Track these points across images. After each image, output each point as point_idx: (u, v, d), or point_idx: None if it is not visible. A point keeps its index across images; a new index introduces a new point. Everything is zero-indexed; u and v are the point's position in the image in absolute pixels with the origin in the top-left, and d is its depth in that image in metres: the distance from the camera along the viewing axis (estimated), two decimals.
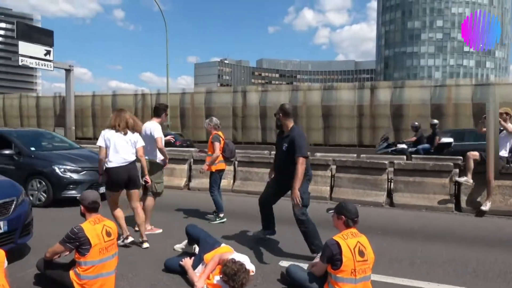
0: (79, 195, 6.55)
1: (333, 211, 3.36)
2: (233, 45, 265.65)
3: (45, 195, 7.07)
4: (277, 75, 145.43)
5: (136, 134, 4.89)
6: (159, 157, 5.55)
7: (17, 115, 32.19)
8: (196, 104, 26.83)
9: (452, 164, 7.05)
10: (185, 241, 4.61)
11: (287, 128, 4.53)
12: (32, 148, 7.65)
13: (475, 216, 6.58)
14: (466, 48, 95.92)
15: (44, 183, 7.08)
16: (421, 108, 21.68)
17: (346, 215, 3.22)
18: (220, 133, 6.28)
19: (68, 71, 27.36)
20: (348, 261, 3.04)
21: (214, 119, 6.35)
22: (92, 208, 3.60)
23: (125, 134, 4.75)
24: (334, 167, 7.97)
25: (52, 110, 31.00)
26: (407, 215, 6.70)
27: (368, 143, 22.73)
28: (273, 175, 4.98)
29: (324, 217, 5.62)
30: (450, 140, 11.26)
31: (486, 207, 6.51)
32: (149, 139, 5.42)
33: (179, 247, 4.72)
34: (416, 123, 12.48)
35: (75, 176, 7.15)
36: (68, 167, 7.21)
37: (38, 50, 24.75)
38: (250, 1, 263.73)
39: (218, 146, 6.07)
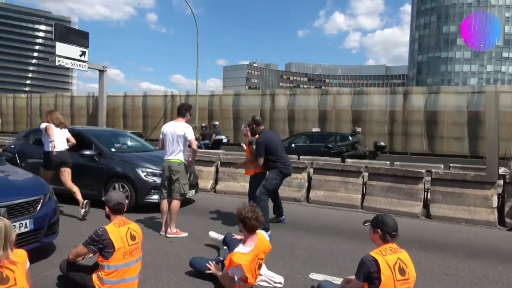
0: (159, 200, 6.32)
1: (369, 223, 3.09)
2: (262, 49, 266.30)
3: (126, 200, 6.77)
4: (305, 79, 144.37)
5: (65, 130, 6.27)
6: (185, 157, 5.46)
7: None
8: (224, 106, 26.84)
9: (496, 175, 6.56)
10: (222, 236, 4.61)
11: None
12: (113, 149, 7.25)
13: None
14: (505, 54, 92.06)
15: (127, 187, 6.61)
16: (456, 115, 20.74)
17: (383, 228, 2.94)
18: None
19: (101, 71, 28.04)
20: (387, 279, 2.76)
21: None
22: (117, 209, 3.49)
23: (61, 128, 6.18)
24: (366, 174, 7.63)
25: (85, 109, 31.85)
26: (446, 228, 6.27)
27: (400, 150, 21.98)
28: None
29: (356, 228, 5.34)
30: (222, 137, 15.66)
31: None
32: (179, 140, 5.31)
33: (215, 236, 4.82)
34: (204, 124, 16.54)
35: (158, 180, 6.40)
36: (151, 170, 6.70)
37: (74, 51, 25.43)
38: (280, 4, 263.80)
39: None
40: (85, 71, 26.98)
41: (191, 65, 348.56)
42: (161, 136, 5.50)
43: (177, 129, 5.33)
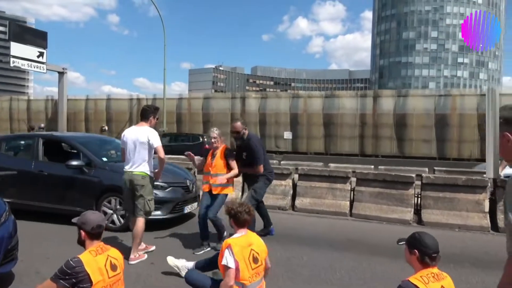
0: (165, 216, 5.68)
1: (404, 242, 2.66)
2: (228, 52, 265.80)
3: (121, 219, 5.69)
4: (271, 83, 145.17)
5: None
6: (152, 168, 4.74)
7: (6, 118, 31.13)
8: (193, 110, 26.10)
9: (487, 179, 6.41)
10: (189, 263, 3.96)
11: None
12: (104, 159, 6.27)
13: None
14: (460, 59, 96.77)
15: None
16: (425, 117, 21.18)
17: (421, 249, 2.51)
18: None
19: (61, 73, 26.52)
20: None
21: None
22: (96, 234, 2.87)
23: None
24: (354, 179, 7.30)
25: (44, 114, 30.02)
26: (439, 235, 5.88)
27: (371, 153, 22.15)
28: None
29: (349, 237, 4.95)
30: None
31: None
32: (142, 147, 4.60)
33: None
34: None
35: (160, 193, 5.71)
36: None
37: (30, 51, 23.85)
38: (244, 9, 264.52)
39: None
40: (44, 73, 25.37)
41: (155, 68, 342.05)
42: (121, 145, 4.79)
43: (140, 136, 4.61)
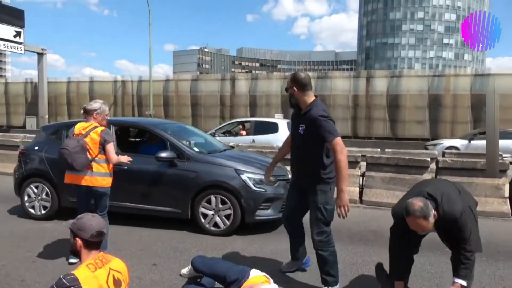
0: (275, 216, 4.75)
1: None
2: (212, 33, 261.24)
3: (226, 220, 4.79)
4: (257, 65, 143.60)
5: None
6: None
7: None
8: (181, 92, 25.24)
9: (508, 162, 6.04)
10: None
11: (305, 104, 3.26)
12: (196, 149, 5.31)
13: None
14: (445, 40, 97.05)
15: (228, 201, 4.78)
16: (418, 98, 20.89)
17: None
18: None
19: (40, 55, 25.25)
20: None
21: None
22: (96, 242, 2.31)
23: None
24: (364, 164, 6.85)
25: (23, 97, 28.71)
26: None
27: (363, 135, 21.85)
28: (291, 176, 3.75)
29: (358, 228, 4.55)
30: None
31: None
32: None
33: (186, 272, 3.55)
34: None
35: (270, 189, 4.87)
36: (259, 177, 4.79)
37: (7, 31, 22.54)
38: None
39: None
40: (21, 54, 24.08)
41: (138, 49, 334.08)
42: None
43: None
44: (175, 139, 5.19)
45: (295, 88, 3.24)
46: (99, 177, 3.86)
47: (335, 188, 3.19)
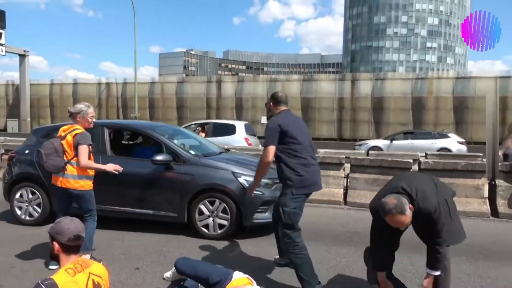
0: (271, 219, 4.40)
1: None
2: (198, 36, 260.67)
3: (225, 223, 4.72)
4: (244, 67, 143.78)
5: None
6: None
7: None
8: (166, 95, 25.15)
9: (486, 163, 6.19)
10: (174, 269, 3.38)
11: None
12: (192, 152, 5.22)
13: None
14: (428, 44, 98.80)
15: (225, 204, 4.71)
16: (402, 101, 21.28)
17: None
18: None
19: (22, 56, 24.81)
20: None
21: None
22: (74, 247, 2.27)
23: None
24: (348, 165, 6.91)
25: (4, 100, 28.19)
26: None
27: (349, 137, 22.09)
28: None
29: (342, 229, 4.58)
30: None
31: None
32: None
33: (169, 276, 3.52)
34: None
35: (267, 192, 4.79)
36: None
37: None
38: None
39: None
40: (2, 55, 23.61)
41: (123, 51, 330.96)
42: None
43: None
44: (171, 142, 5.12)
45: (271, 103, 3.58)
46: (72, 180, 3.82)
47: (300, 194, 3.34)
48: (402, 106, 21.24)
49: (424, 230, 2.91)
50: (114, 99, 25.90)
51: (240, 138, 11.76)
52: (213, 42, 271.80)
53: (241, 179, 4.76)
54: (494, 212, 6.05)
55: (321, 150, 8.55)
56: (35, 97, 26.75)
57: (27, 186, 5.21)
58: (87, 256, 3.77)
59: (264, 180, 4.51)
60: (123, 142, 6.31)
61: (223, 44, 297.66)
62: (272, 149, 3.29)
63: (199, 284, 3.13)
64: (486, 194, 6.17)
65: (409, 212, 2.71)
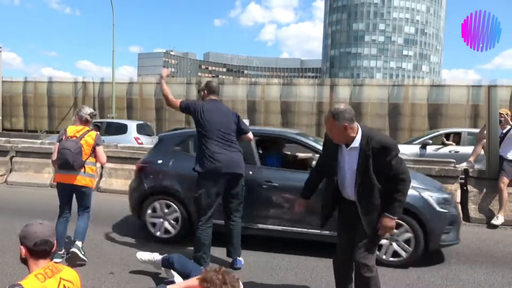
0: (457, 242, 4.26)
1: None
2: (179, 37, 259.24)
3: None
4: (224, 70, 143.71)
5: None
6: None
7: None
8: (145, 96, 24.76)
9: (460, 169, 6.36)
10: (154, 254, 3.61)
11: None
12: None
13: (487, 228, 5.94)
14: (405, 52, 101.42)
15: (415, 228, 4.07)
16: (379, 106, 21.66)
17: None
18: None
19: None
20: None
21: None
22: (41, 251, 2.19)
23: None
24: None
25: None
26: None
27: None
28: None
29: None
30: None
31: (497, 221, 5.89)
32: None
33: (145, 257, 3.69)
34: None
35: (452, 210, 4.29)
36: (440, 196, 4.27)
37: None
38: None
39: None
40: None
41: (101, 50, 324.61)
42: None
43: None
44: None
45: (205, 91, 4.04)
46: (88, 178, 4.08)
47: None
48: (379, 112, 21.62)
49: (380, 167, 2.63)
50: (90, 98, 25.30)
51: (130, 137, 12.43)
52: (194, 44, 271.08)
53: (424, 194, 4.18)
54: (466, 217, 6.23)
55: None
56: (7, 95, 25.88)
57: (161, 199, 4.69)
58: (59, 260, 3.68)
59: (443, 195, 4.31)
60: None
61: (204, 45, 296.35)
62: (178, 101, 3.88)
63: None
64: (458, 199, 6.33)
65: (343, 124, 2.61)
